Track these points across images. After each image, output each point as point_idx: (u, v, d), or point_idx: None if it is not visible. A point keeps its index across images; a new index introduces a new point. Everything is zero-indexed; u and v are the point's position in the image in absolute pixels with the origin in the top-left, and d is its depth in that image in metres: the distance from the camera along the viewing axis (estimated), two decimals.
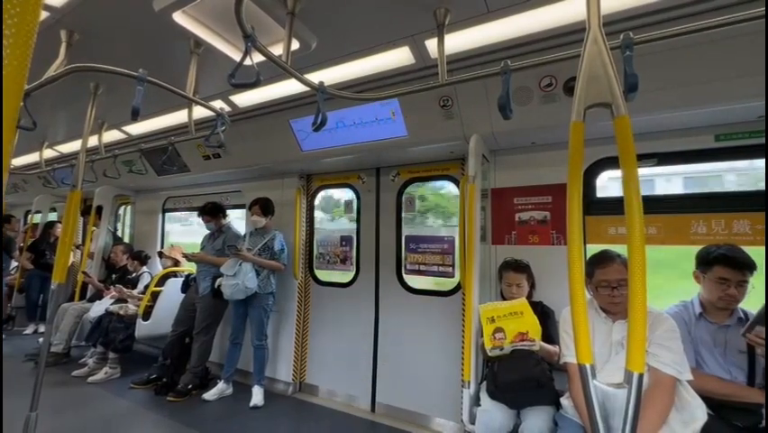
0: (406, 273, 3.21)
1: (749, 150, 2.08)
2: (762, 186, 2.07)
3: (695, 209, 2.18)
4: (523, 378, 1.86)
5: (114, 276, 4.41)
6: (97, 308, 3.94)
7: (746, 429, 1.60)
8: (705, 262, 1.80)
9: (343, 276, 3.56)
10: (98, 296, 4.30)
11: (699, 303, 1.84)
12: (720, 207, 2.13)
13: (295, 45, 1.91)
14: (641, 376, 0.86)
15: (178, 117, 3.07)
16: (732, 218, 2.09)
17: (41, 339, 4.52)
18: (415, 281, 3.19)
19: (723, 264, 1.72)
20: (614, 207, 2.35)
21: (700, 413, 1.51)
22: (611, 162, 2.37)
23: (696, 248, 1.90)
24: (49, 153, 4.30)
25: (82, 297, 4.49)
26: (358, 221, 3.51)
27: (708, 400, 1.61)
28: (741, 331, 1.61)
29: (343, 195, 3.73)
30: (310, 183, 3.80)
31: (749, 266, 1.69)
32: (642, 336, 0.86)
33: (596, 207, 2.41)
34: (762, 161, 2.10)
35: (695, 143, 2.17)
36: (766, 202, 1.92)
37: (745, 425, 1.61)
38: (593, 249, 2.03)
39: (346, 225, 3.69)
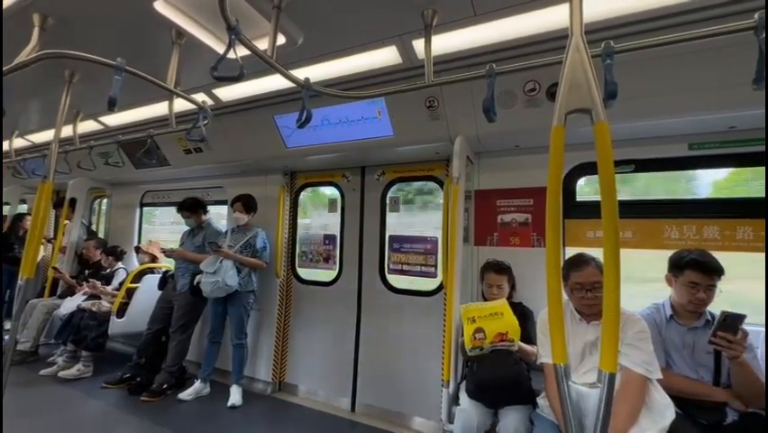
0: (389, 273, 3.21)
1: (720, 159, 2.17)
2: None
3: (668, 215, 2.26)
4: (501, 377, 1.88)
5: (87, 272, 4.26)
6: (68, 305, 3.80)
7: (711, 426, 1.67)
8: (677, 266, 1.86)
9: (326, 275, 3.54)
10: (70, 292, 4.14)
11: (669, 306, 1.91)
12: (692, 214, 2.21)
13: (281, 40, 1.88)
14: (613, 376, 0.88)
15: (158, 109, 2.99)
16: (702, 224, 2.18)
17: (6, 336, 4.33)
18: (397, 281, 3.20)
19: (694, 269, 1.78)
20: (592, 210, 2.41)
21: (669, 412, 1.56)
22: (591, 167, 2.43)
23: (669, 252, 1.97)
24: (19, 143, 4.12)
25: (53, 293, 4.32)
26: (342, 219, 3.49)
27: (677, 398, 1.66)
28: (707, 337, 1.68)
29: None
30: (294, 180, 3.76)
31: (718, 271, 1.76)
32: (615, 337, 0.89)
33: (575, 210, 2.47)
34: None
35: (670, 151, 2.25)
36: (766, 209, 1.98)
37: (710, 422, 1.68)
38: (573, 251, 2.08)
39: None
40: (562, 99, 1.04)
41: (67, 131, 3.02)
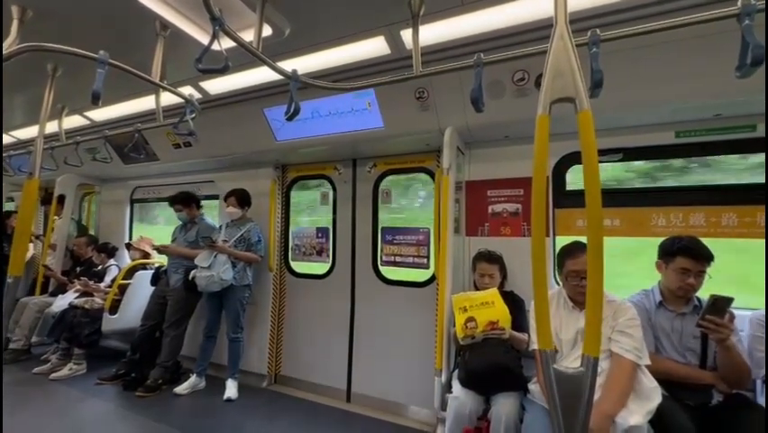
0: (381, 265, 3.23)
1: (706, 146, 2.19)
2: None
3: (655, 203, 2.29)
4: (492, 364, 1.91)
5: (78, 269, 4.22)
6: (60, 303, 3.77)
7: (697, 408, 1.71)
8: (668, 252, 1.89)
9: (319, 268, 3.55)
10: (61, 290, 4.11)
11: (659, 292, 1.94)
12: (678, 201, 2.24)
13: (267, 31, 1.85)
14: (596, 360, 0.90)
15: (145, 103, 2.94)
16: (689, 212, 2.21)
17: None
18: (390, 273, 3.21)
19: (685, 255, 1.81)
20: (582, 199, 2.42)
21: (656, 395, 1.60)
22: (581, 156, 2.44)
23: (657, 240, 2.00)
24: (4, 139, 4.04)
25: (44, 291, 4.28)
26: (334, 212, 3.49)
27: (665, 381, 1.70)
28: (695, 322, 1.71)
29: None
30: (285, 174, 3.74)
31: (708, 258, 1.79)
32: (598, 322, 0.90)
33: (565, 199, 2.49)
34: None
35: (657, 139, 2.27)
36: (766, 196, 1.99)
37: (696, 404, 1.73)
38: (563, 240, 2.09)
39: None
40: (547, 88, 1.04)
41: (52, 126, 2.97)
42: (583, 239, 1.94)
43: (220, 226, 3.46)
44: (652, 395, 1.60)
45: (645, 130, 2.26)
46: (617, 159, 2.36)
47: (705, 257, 1.78)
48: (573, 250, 1.85)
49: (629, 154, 2.35)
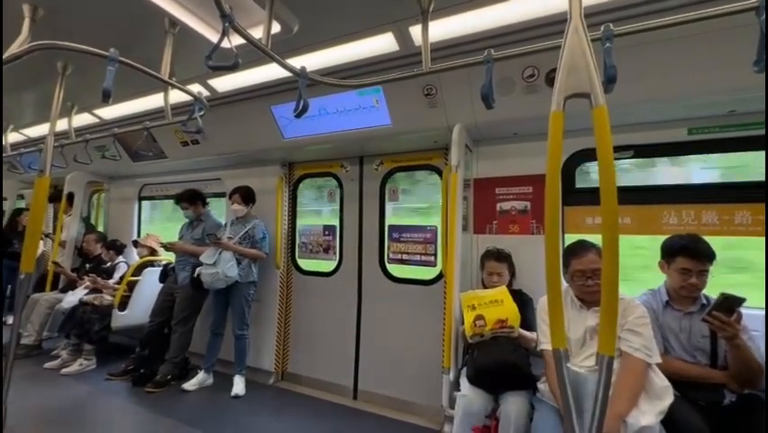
0: (389, 262, 3.23)
1: (719, 143, 2.16)
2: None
3: (667, 200, 2.26)
4: (500, 362, 1.90)
5: (87, 266, 4.26)
6: (70, 299, 3.81)
7: (709, 407, 1.70)
8: (669, 252, 1.87)
9: (326, 265, 3.56)
10: (71, 286, 4.16)
11: (665, 291, 1.92)
12: (690, 199, 2.21)
13: (276, 28, 1.85)
14: (611, 359, 0.89)
15: (153, 101, 2.95)
16: (701, 209, 2.18)
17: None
18: (397, 270, 3.21)
19: (685, 255, 1.79)
20: (591, 197, 2.40)
21: (667, 394, 1.58)
22: (590, 153, 2.41)
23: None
24: (15, 137, 4.09)
25: (54, 287, 4.33)
26: (341, 210, 3.49)
27: (675, 381, 1.68)
28: (701, 317, 1.69)
29: None
30: (292, 171, 3.75)
31: (709, 256, 1.76)
32: (613, 321, 0.89)
33: (574, 197, 2.47)
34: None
35: (669, 136, 2.23)
36: (767, 194, 1.97)
37: (708, 403, 1.71)
38: (572, 238, 2.08)
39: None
40: (561, 84, 1.03)
41: (62, 124, 2.99)
42: (590, 237, 1.93)
43: (225, 224, 3.47)
44: (663, 395, 1.59)
45: (657, 127, 2.23)
46: (628, 156, 2.33)
47: (706, 256, 1.76)
48: (578, 249, 1.83)
49: (641, 151, 2.32)
